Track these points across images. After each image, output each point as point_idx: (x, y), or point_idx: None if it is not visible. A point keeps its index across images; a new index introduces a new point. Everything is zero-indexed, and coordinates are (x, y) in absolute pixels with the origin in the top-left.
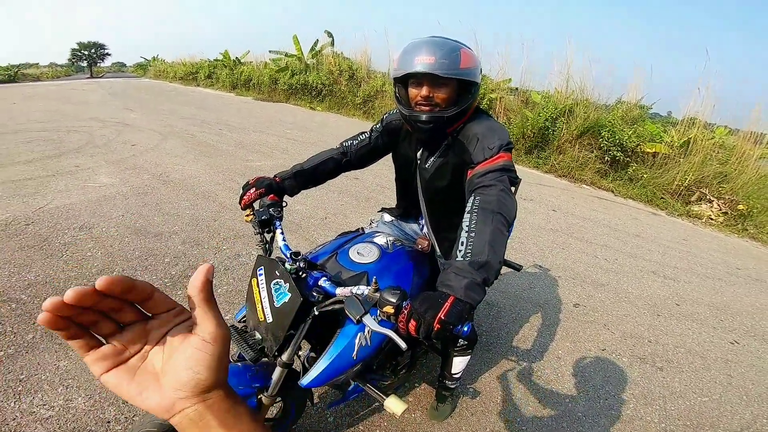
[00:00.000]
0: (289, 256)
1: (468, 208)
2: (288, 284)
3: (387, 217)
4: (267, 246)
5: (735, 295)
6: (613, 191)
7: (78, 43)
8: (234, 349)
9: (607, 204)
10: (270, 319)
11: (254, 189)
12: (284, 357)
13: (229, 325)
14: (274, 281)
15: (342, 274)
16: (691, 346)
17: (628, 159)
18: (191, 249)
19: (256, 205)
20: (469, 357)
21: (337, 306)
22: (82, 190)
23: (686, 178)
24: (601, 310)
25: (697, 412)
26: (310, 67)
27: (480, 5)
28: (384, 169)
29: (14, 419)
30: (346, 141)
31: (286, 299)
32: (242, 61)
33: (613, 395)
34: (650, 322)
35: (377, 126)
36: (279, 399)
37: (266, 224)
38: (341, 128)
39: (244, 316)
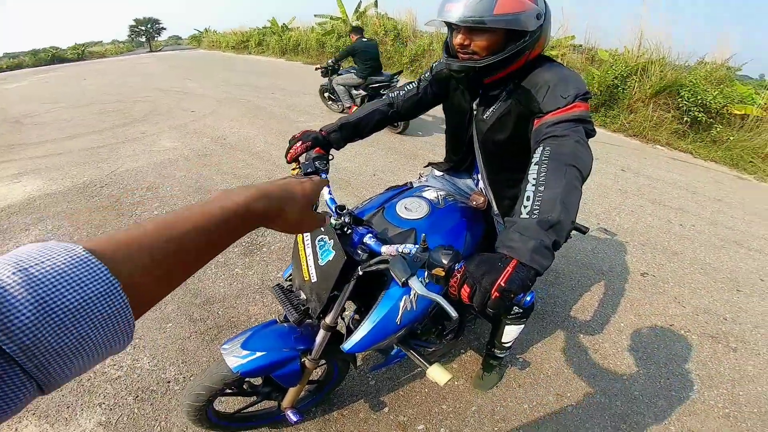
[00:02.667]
0: (334, 210)
1: (536, 159)
2: (332, 241)
3: (437, 172)
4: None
5: None
6: (692, 153)
7: (135, 20)
8: (280, 310)
9: (684, 165)
10: (314, 279)
11: (300, 143)
12: (328, 320)
13: (275, 284)
14: (319, 237)
15: (388, 230)
16: None
17: (711, 120)
18: None
19: (302, 159)
20: (523, 326)
21: (381, 266)
22: (149, 154)
23: None
24: (673, 281)
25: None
26: None
27: None
28: (432, 126)
29: (88, 379)
30: (393, 92)
31: (330, 257)
32: (289, 27)
33: (676, 375)
34: (728, 297)
35: (426, 75)
36: (323, 362)
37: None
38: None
39: (291, 275)
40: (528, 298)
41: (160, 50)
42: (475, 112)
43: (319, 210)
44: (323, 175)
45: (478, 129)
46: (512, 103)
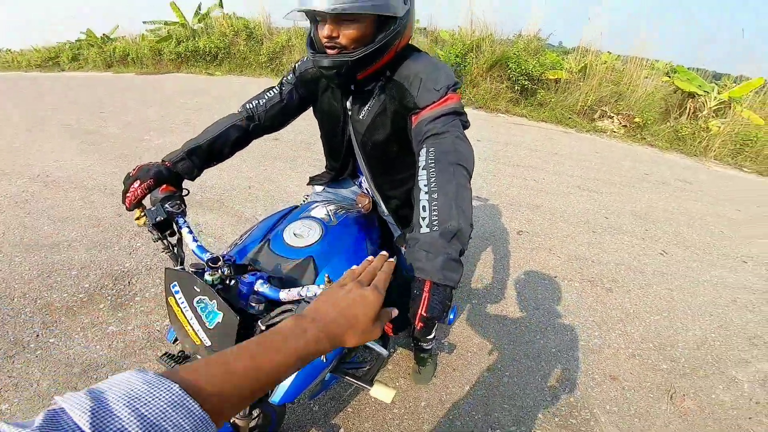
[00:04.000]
0: (206, 263)
1: (422, 163)
2: (215, 302)
3: (318, 188)
4: (175, 251)
5: (650, 201)
6: (526, 116)
7: None
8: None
9: (523, 128)
10: (208, 343)
11: (138, 182)
12: None
13: (161, 354)
14: (197, 299)
15: (281, 265)
16: (629, 261)
17: (535, 87)
18: (99, 254)
19: (146, 203)
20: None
21: (286, 315)
22: None
23: (588, 99)
24: (542, 234)
25: (654, 332)
26: (198, 32)
27: None
28: (304, 123)
29: None
30: (250, 102)
31: (219, 319)
32: (112, 37)
33: (577, 325)
34: (588, 239)
35: (289, 77)
36: (256, 412)
37: (166, 226)
38: (248, 89)
39: (177, 339)
40: (451, 317)
41: None
42: (350, 113)
43: (187, 261)
44: (180, 220)
45: (355, 130)
46: (386, 99)
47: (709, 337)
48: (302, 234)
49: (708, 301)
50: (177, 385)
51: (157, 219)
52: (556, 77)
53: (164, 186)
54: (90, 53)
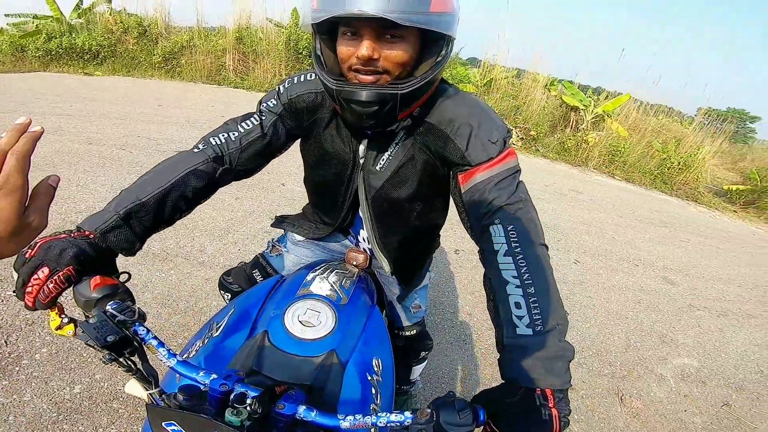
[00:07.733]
0: (230, 403)
1: (503, 248)
2: None
3: (297, 237)
4: (143, 370)
5: (554, 211)
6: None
7: None
8: None
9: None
10: None
11: (47, 271)
12: None
13: None
14: None
15: (301, 367)
16: None
17: None
18: None
19: (68, 314)
20: (426, 362)
21: None
22: None
23: None
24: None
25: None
26: (76, 27)
27: None
28: None
29: None
30: (214, 137)
31: None
32: None
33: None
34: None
35: (272, 104)
36: None
37: (125, 344)
38: (137, 92)
39: None
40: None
41: None
42: (362, 160)
43: (178, 393)
44: (138, 329)
45: (367, 183)
46: (415, 147)
47: (632, 339)
48: (311, 321)
49: (620, 305)
50: None
51: (108, 339)
52: (465, 91)
53: (95, 277)
54: None
